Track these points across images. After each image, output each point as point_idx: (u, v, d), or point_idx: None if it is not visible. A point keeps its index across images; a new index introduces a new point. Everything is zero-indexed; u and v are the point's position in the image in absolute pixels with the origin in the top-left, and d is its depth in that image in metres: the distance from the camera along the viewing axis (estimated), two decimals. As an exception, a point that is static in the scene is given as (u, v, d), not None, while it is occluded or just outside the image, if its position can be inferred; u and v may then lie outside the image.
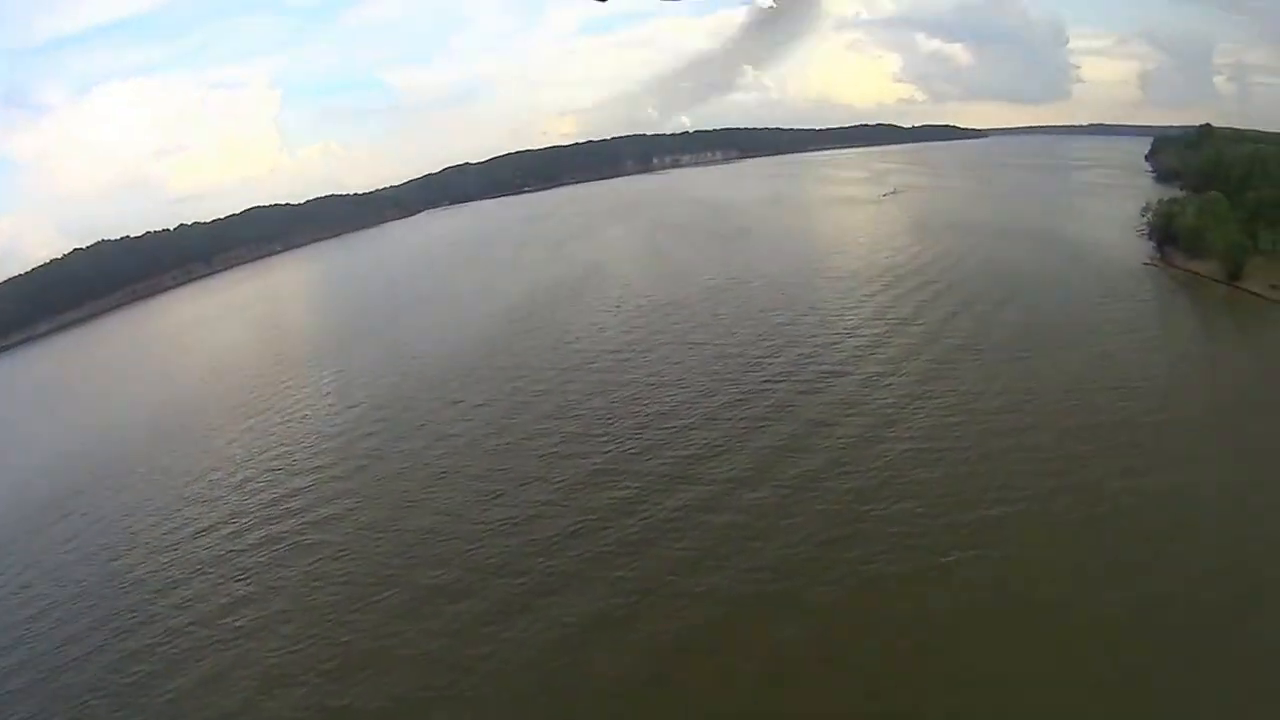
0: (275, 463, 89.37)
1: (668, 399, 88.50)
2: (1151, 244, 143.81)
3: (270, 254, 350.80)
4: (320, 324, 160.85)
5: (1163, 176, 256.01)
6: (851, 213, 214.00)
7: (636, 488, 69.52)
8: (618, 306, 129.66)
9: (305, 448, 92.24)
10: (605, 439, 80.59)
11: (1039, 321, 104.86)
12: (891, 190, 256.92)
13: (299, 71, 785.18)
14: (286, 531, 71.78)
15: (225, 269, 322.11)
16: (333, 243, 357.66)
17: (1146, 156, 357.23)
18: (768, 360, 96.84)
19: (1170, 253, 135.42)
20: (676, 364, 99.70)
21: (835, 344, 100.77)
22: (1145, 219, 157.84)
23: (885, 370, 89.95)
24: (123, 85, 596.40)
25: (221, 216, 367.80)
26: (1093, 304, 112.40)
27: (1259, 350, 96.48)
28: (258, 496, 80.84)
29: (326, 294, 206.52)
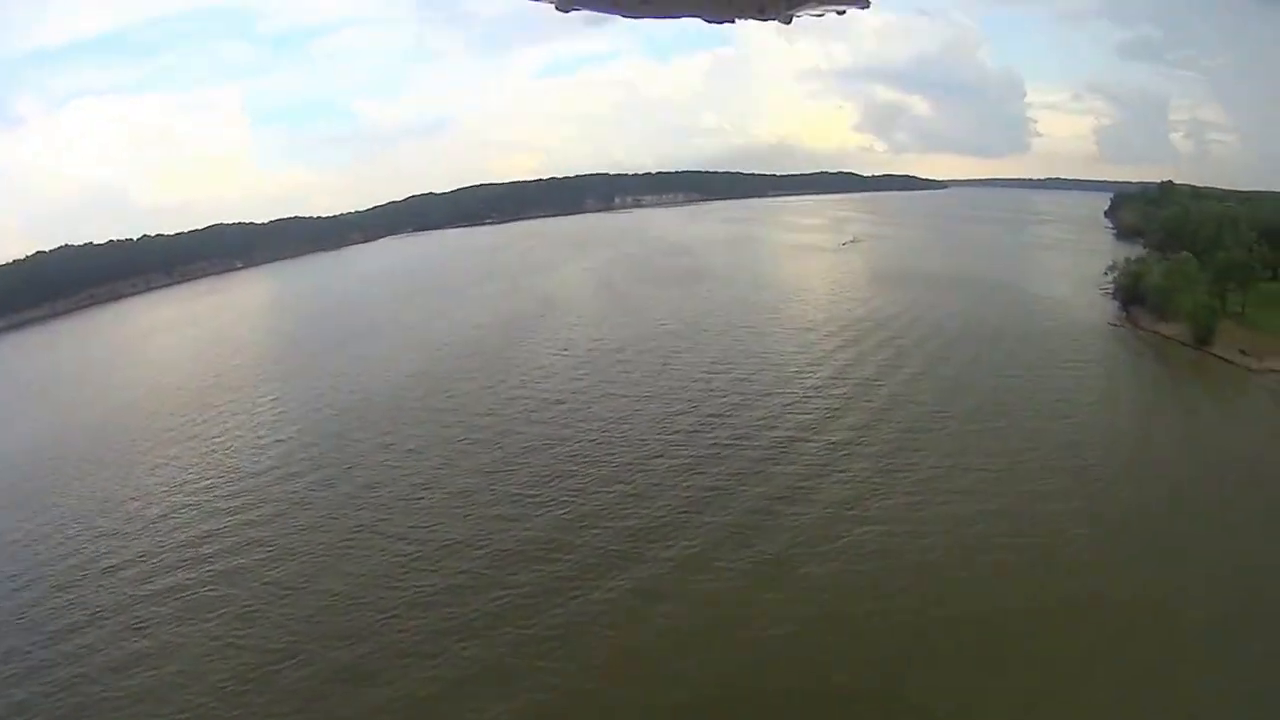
0: (194, 499, 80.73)
1: (612, 460, 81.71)
2: (1117, 303, 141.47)
3: (231, 269, 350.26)
4: (266, 346, 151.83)
5: (1123, 233, 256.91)
6: (810, 260, 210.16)
7: (570, 563, 63.02)
8: (566, 350, 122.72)
9: (227, 485, 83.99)
10: (540, 503, 73.19)
11: (1004, 387, 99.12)
12: (851, 239, 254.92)
13: (268, 97, 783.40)
14: (194, 581, 64.00)
15: (185, 281, 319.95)
16: (293, 263, 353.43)
17: (1106, 213, 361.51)
18: (721, 421, 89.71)
19: (1137, 313, 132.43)
20: (623, 421, 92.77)
21: (792, 405, 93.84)
22: (1111, 278, 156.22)
23: (846, 439, 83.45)
24: (96, 102, 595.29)
25: (185, 231, 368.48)
26: (1059, 368, 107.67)
27: (1233, 421, 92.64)
28: (171, 536, 72.55)
29: (278, 314, 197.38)
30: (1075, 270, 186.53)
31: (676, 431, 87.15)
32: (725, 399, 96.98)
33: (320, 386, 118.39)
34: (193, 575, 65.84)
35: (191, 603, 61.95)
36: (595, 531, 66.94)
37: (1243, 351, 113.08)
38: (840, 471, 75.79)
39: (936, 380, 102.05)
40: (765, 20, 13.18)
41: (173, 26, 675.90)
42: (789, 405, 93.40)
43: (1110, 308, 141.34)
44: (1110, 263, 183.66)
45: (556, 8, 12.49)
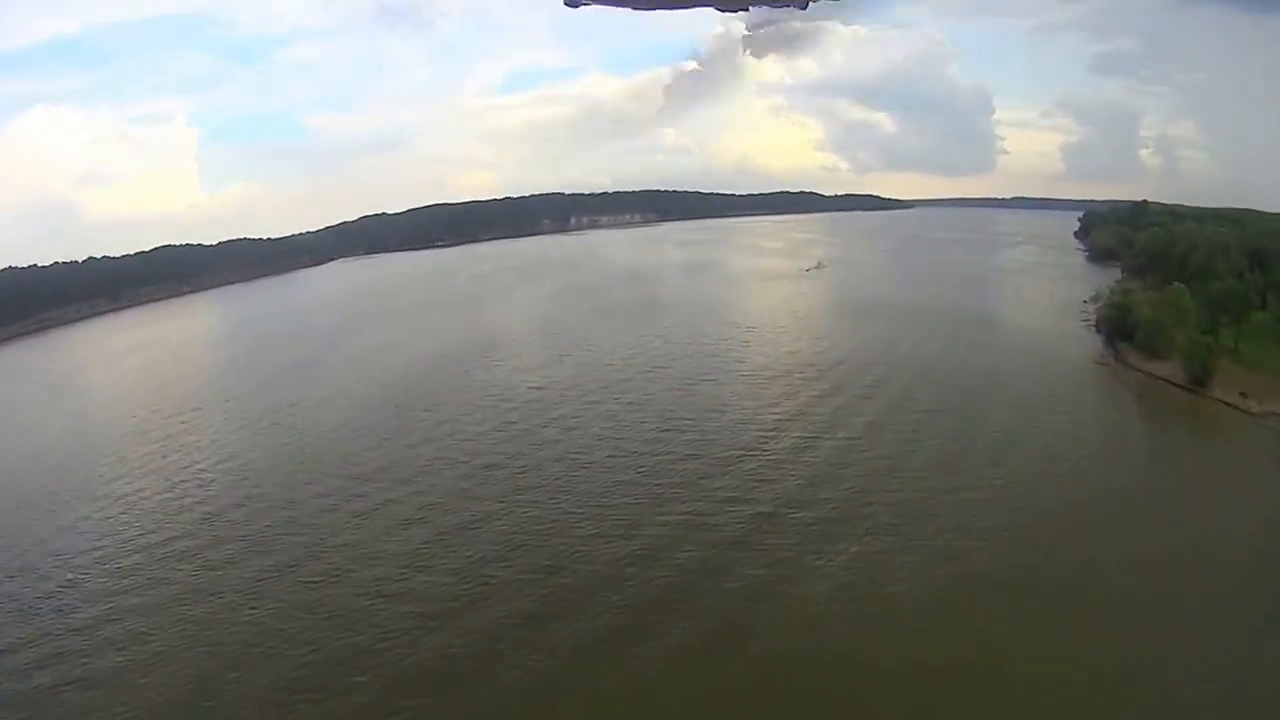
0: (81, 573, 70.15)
1: (538, 537, 70.72)
2: (1101, 337, 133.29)
3: (179, 294, 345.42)
4: (195, 384, 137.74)
5: (1097, 256, 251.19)
6: (773, 289, 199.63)
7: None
8: (503, 400, 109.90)
9: (118, 546, 73.67)
10: (448, 589, 62.80)
11: (983, 438, 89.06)
12: (816, 264, 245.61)
13: (220, 110, 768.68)
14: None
15: (132, 306, 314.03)
16: (241, 288, 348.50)
17: (1076, 233, 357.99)
18: (672, 496, 78.35)
19: (1124, 350, 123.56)
20: (559, 485, 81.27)
21: (748, 459, 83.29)
22: (1092, 308, 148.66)
23: (805, 499, 73.59)
24: (47, 111, 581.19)
25: (132, 253, 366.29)
26: (1043, 414, 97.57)
27: (1244, 478, 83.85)
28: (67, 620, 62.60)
29: (215, 347, 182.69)
30: (1051, 298, 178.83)
31: (618, 518, 74.06)
32: (677, 468, 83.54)
33: (237, 430, 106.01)
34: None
35: None
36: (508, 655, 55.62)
37: (1243, 394, 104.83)
38: (797, 541, 65.54)
39: (904, 430, 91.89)
40: (779, 7, 17.20)
41: (127, 34, 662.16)
42: (750, 478, 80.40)
43: (1094, 342, 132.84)
44: (1087, 289, 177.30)
45: (565, 3, 16.72)
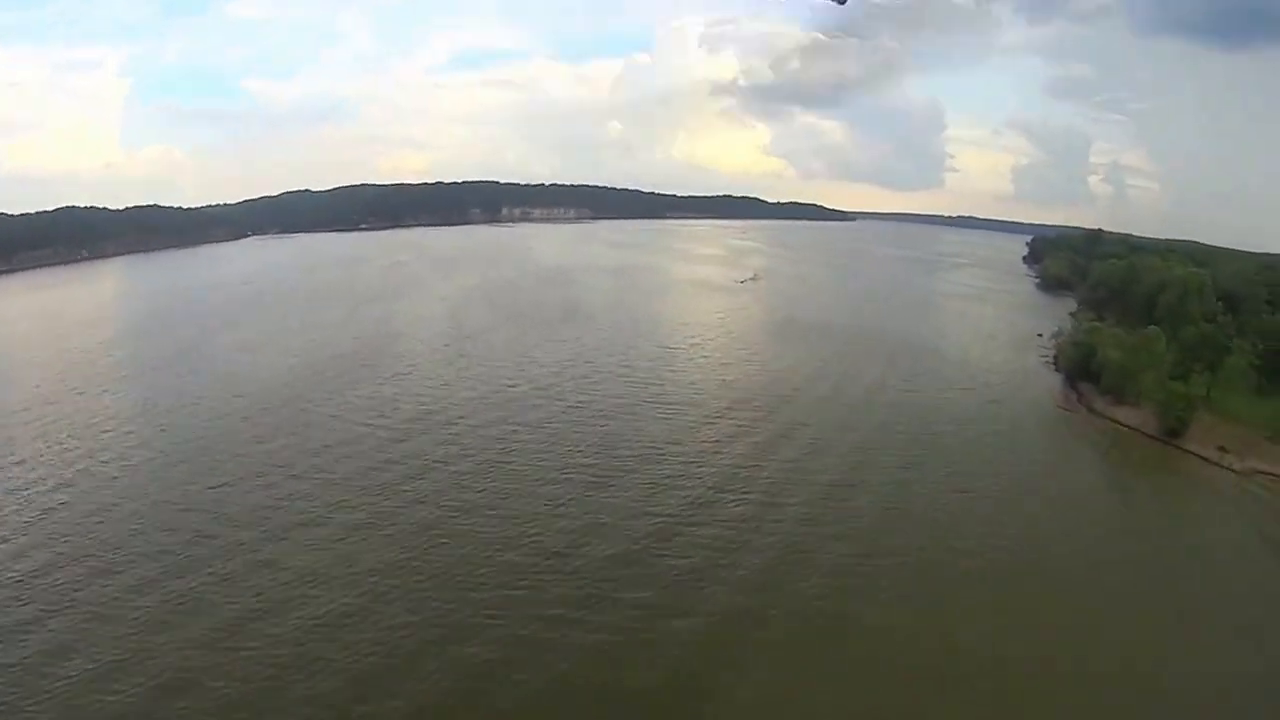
0: None
1: (410, 599, 55.48)
2: (1062, 377, 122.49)
3: (76, 260, 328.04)
4: (52, 374, 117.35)
5: (1048, 284, 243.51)
6: (704, 301, 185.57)
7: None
8: (383, 420, 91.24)
9: None
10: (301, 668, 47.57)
11: (927, 493, 76.52)
12: (751, 276, 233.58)
13: (153, 63, 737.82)
14: None
15: (24, 270, 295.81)
16: (144, 259, 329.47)
17: (1026, 258, 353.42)
18: (561, 549, 63.39)
19: (1088, 394, 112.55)
20: (439, 536, 64.97)
21: (663, 514, 69.02)
22: (1051, 343, 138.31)
23: (699, 585, 59.54)
24: None
25: (32, 212, 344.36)
26: (1002, 467, 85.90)
27: (1229, 545, 72.46)
28: None
29: (91, 327, 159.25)
30: (1004, 328, 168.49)
31: (498, 579, 58.61)
32: (572, 517, 67.48)
33: (85, 436, 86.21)
34: None
35: None
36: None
37: (1222, 449, 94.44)
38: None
39: (845, 495, 76.34)
40: None
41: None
42: (657, 532, 65.97)
43: (1053, 381, 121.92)
44: (1042, 320, 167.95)
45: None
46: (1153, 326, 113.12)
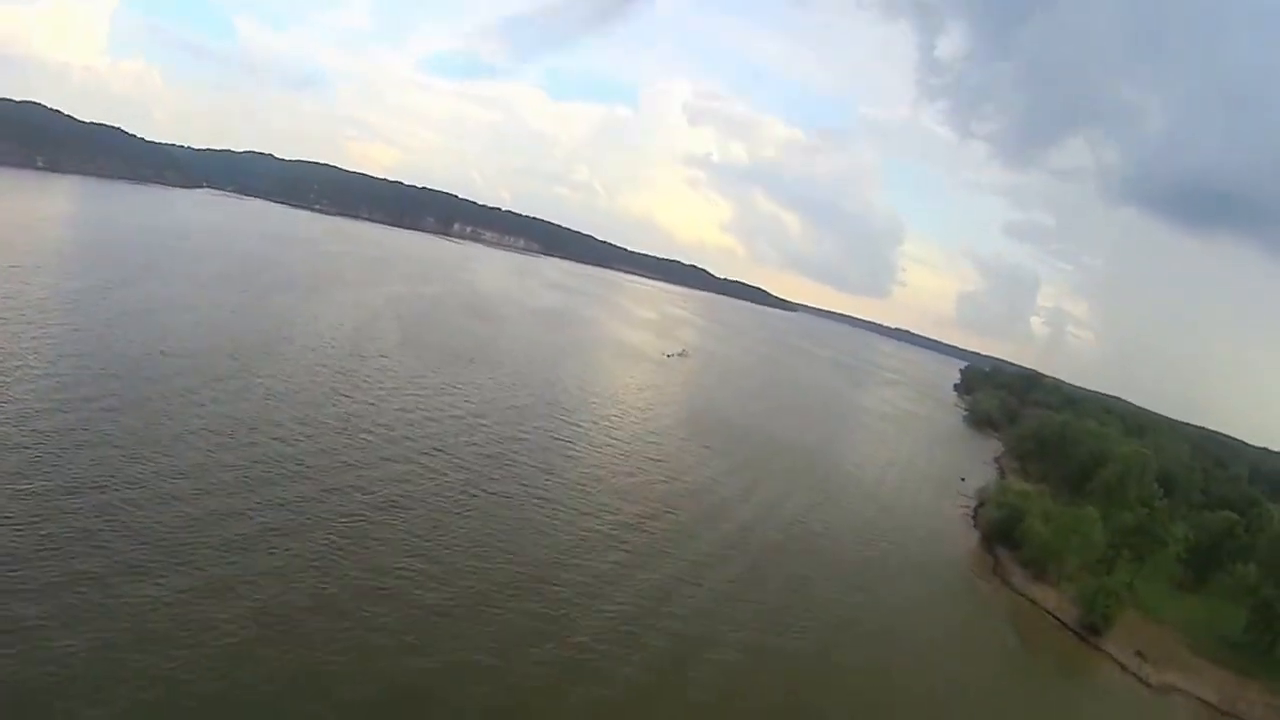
0: None
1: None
2: (979, 534, 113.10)
3: (30, 167, 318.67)
4: None
5: (977, 419, 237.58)
6: (628, 370, 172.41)
7: None
8: (217, 431, 77.14)
9: None
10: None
11: (806, 673, 64.92)
12: (681, 351, 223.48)
13: None
14: None
15: None
16: (95, 184, 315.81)
17: (957, 386, 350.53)
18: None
19: (1006, 561, 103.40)
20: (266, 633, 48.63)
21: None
22: (973, 495, 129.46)
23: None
24: None
25: None
26: (896, 640, 75.46)
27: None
28: None
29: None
30: (926, 463, 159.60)
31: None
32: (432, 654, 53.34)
33: None
34: None
35: None
36: None
37: (1139, 654, 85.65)
38: None
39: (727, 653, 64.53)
40: None
41: None
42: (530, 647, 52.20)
43: (969, 540, 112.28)
44: (967, 462, 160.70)
45: None
46: (1089, 509, 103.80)
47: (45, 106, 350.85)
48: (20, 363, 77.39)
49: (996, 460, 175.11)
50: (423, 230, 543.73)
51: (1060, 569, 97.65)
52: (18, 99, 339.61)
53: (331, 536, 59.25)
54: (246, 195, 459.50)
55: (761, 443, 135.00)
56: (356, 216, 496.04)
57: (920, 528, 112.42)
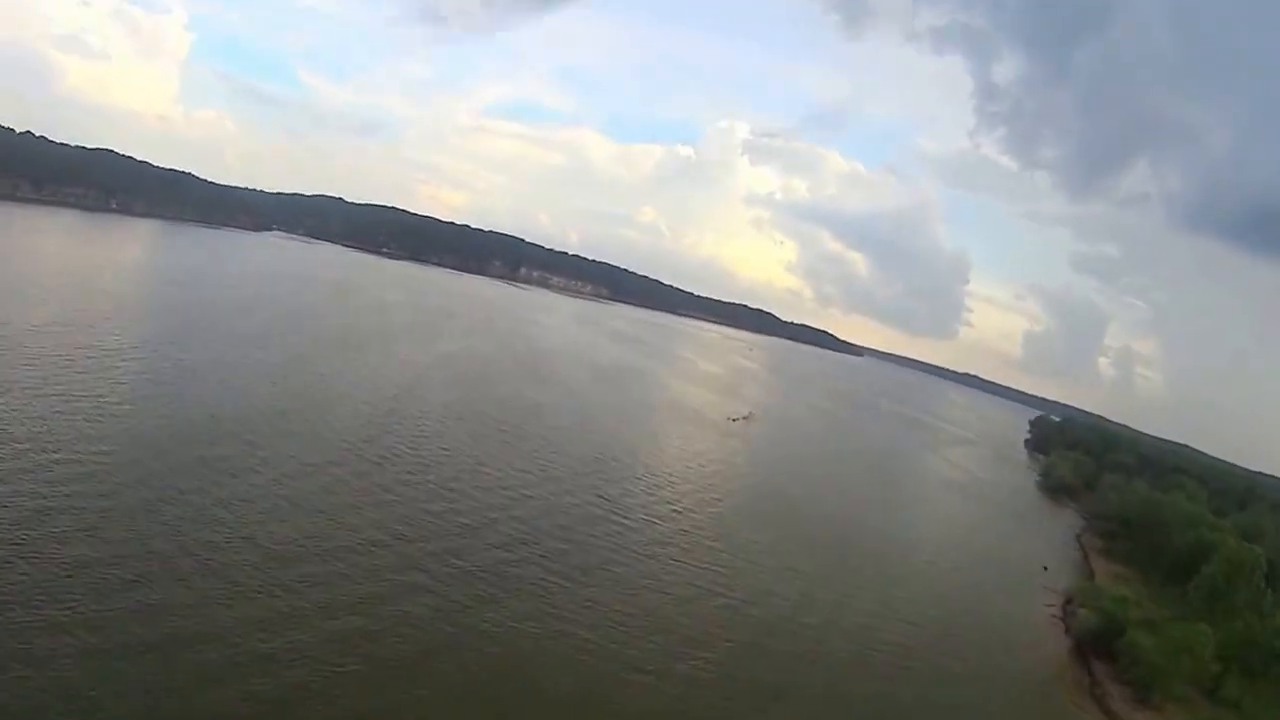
0: None
1: None
2: (1070, 642, 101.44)
3: (105, 210, 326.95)
4: None
5: (1053, 487, 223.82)
6: (687, 440, 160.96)
7: None
8: (229, 507, 71.12)
9: None
10: None
11: None
12: (746, 415, 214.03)
13: (218, 26, 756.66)
14: None
15: (51, 205, 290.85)
16: (166, 227, 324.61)
17: (1027, 443, 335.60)
18: None
19: (1103, 680, 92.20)
20: None
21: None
22: (1063, 597, 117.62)
23: None
24: None
25: (73, 144, 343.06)
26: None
27: None
28: None
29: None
30: (1005, 547, 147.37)
31: None
32: None
33: None
34: None
35: None
36: None
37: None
38: None
39: None
40: None
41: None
42: None
43: (1060, 649, 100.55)
44: (1047, 544, 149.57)
45: None
46: (1202, 626, 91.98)
47: (117, 153, 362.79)
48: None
49: (1078, 539, 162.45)
50: (489, 275, 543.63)
51: (1167, 689, 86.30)
52: (90, 146, 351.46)
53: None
54: (316, 239, 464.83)
55: (826, 529, 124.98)
56: (425, 261, 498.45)
57: (1004, 635, 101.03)
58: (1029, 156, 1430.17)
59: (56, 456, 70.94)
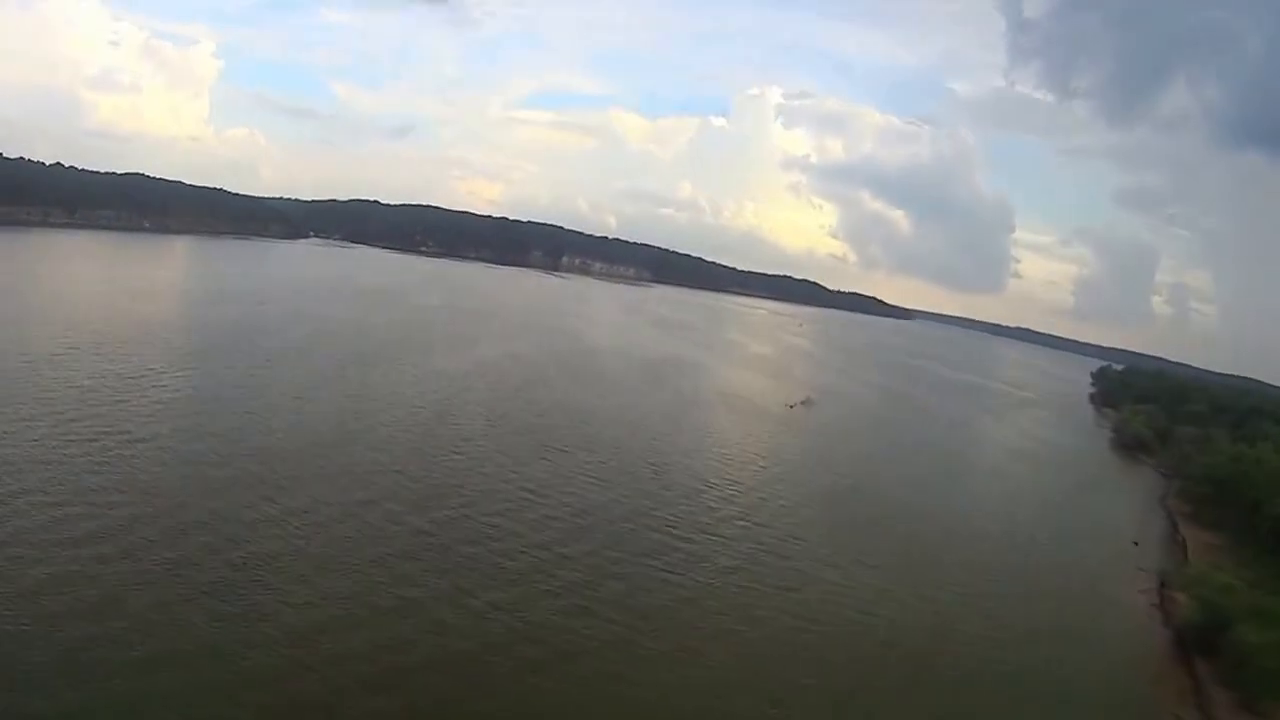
0: None
1: None
2: (1171, 635, 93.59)
3: (138, 229, 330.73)
4: None
5: (1125, 442, 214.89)
6: (746, 435, 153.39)
7: None
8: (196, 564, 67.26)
9: None
10: None
11: None
12: (804, 399, 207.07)
13: (248, 51, 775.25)
14: None
15: (86, 228, 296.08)
16: (197, 242, 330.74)
17: (1093, 398, 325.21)
18: None
19: (1208, 683, 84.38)
20: None
21: None
22: (1158, 582, 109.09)
23: None
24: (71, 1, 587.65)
25: (103, 171, 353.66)
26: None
27: None
28: None
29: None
30: (1086, 518, 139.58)
31: None
32: None
33: None
34: None
35: None
36: None
37: None
38: None
39: None
40: None
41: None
42: None
43: (1160, 643, 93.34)
44: (1129, 512, 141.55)
45: None
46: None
47: (147, 176, 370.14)
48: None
49: (1162, 503, 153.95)
50: (530, 266, 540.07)
51: (1278, 694, 78.54)
52: (121, 171, 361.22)
53: None
54: (353, 243, 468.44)
55: (898, 519, 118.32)
56: (464, 257, 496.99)
57: (1094, 625, 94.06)
58: (1065, 87, 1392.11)
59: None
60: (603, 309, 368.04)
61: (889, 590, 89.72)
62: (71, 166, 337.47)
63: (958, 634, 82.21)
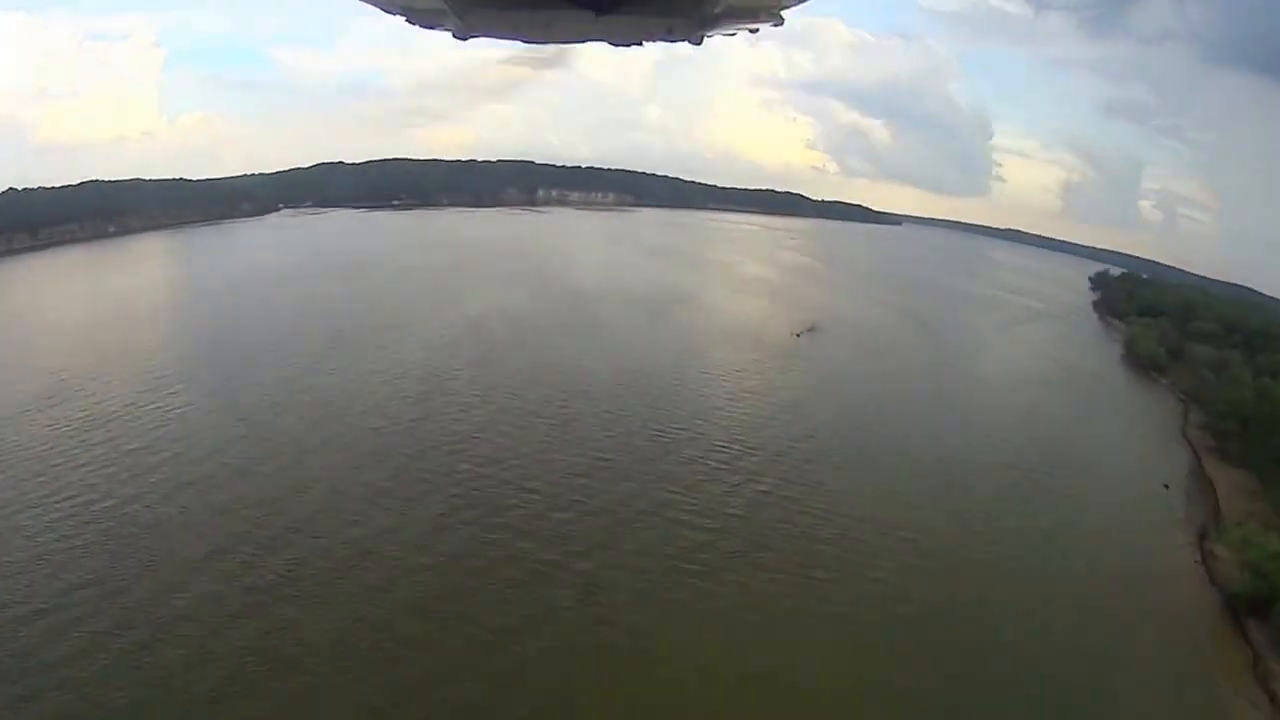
0: None
1: None
2: (1220, 600, 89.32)
3: (103, 235, 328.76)
4: None
5: (1138, 362, 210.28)
6: (744, 372, 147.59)
7: None
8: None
9: None
10: None
11: None
12: (808, 327, 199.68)
13: (185, 34, 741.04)
14: None
15: (51, 246, 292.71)
16: (164, 235, 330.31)
17: (1096, 305, 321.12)
18: None
19: (1265, 652, 79.98)
20: None
21: None
22: (1198, 534, 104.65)
23: None
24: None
25: (57, 186, 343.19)
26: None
27: None
28: None
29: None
30: (1109, 452, 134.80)
31: None
32: None
33: None
34: None
35: None
36: None
37: None
38: None
39: None
40: (674, 42, 15.19)
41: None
42: None
43: (1207, 605, 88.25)
44: (1157, 454, 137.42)
45: (454, 35, 14.66)
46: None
47: (102, 181, 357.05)
48: None
49: (1184, 435, 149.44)
50: (506, 205, 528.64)
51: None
52: (75, 181, 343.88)
53: None
54: (324, 208, 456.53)
55: (922, 462, 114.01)
56: (438, 205, 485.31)
57: (1138, 585, 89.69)
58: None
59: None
60: (586, 240, 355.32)
61: (919, 542, 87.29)
62: (25, 189, 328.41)
63: (987, 594, 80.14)
